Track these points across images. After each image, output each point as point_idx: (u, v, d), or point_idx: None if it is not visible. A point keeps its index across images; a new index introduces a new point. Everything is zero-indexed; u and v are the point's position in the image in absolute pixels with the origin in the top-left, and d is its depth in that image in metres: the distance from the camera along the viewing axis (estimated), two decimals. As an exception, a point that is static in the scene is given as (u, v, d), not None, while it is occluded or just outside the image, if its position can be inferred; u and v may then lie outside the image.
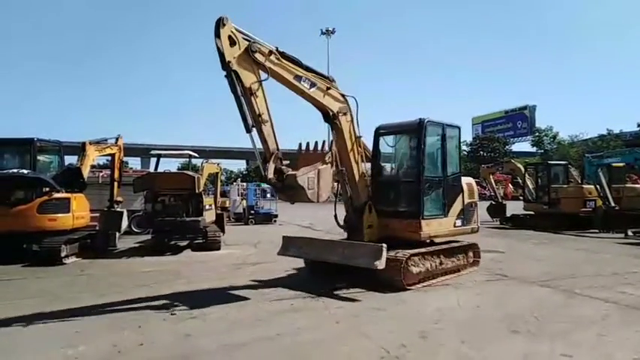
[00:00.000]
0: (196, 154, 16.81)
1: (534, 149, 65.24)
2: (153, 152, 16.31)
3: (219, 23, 6.23)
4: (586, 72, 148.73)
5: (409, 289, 7.55)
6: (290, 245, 8.83)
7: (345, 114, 7.90)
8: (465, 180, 9.47)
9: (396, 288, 7.44)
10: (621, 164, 18.10)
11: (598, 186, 16.71)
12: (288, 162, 7.17)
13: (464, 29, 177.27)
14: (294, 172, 6.89)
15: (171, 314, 6.17)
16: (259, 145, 6.75)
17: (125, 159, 17.11)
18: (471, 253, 9.31)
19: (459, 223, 8.91)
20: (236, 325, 5.72)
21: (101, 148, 12.61)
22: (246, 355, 4.72)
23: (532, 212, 19.55)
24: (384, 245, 7.37)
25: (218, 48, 6.25)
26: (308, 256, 8.66)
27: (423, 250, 8.10)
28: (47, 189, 10.67)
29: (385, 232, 8.33)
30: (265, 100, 6.73)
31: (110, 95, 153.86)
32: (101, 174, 16.48)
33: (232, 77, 6.35)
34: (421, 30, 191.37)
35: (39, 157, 11.58)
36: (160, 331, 5.52)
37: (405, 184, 8.70)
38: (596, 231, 16.66)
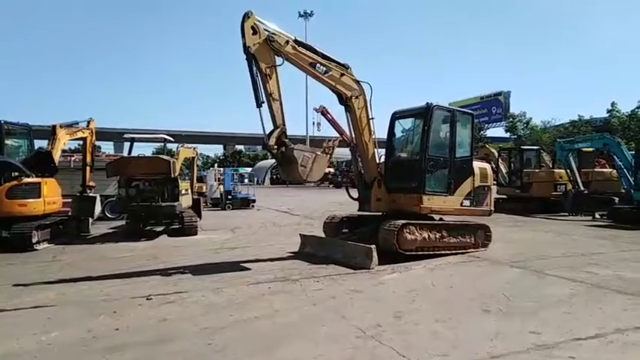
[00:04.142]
0: (171, 139, 16.46)
1: (508, 134, 66.32)
2: (126, 136, 15.93)
3: (245, 16, 7.47)
4: (559, 60, 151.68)
5: (404, 253, 8.34)
6: (307, 243, 9.72)
7: (357, 97, 8.75)
8: (479, 164, 10.06)
9: (393, 252, 8.25)
10: (591, 149, 18.61)
11: (568, 170, 17.18)
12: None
13: (442, 17, 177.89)
14: (293, 146, 7.90)
15: (147, 299, 6.11)
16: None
17: (98, 143, 16.70)
18: (480, 234, 9.69)
19: (466, 203, 9.45)
20: (213, 309, 5.72)
21: (72, 131, 12.29)
22: (224, 338, 4.72)
23: (505, 196, 19.95)
24: (374, 246, 8.08)
25: (243, 35, 7.44)
26: (320, 253, 9.20)
27: (420, 221, 8.80)
28: (16, 173, 10.35)
29: (393, 205, 9.26)
30: (277, 83, 7.81)
31: (83, 79, 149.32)
32: (73, 158, 16.07)
33: (251, 60, 7.56)
34: (398, 17, 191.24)
35: (7, 141, 11.19)
36: (136, 315, 5.48)
37: (412, 162, 9.38)
38: (566, 214, 17.18)
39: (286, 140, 7.92)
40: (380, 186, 9.18)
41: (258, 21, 7.62)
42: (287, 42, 7.87)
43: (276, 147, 7.74)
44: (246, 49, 7.52)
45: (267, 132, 7.77)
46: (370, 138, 9.06)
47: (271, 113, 7.82)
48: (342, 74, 8.55)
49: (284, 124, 7.85)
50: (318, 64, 8.27)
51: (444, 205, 9.17)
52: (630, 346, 4.43)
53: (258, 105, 7.69)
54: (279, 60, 7.84)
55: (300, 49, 8.07)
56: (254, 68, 7.64)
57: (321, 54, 8.38)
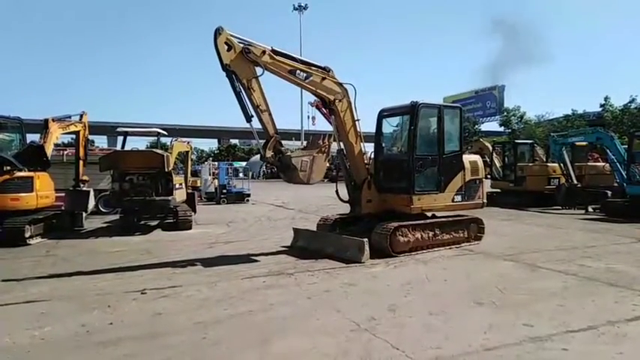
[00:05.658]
0: (165, 132, 16.34)
1: (502, 129, 66.52)
2: (119, 130, 15.76)
3: (216, 33, 7.28)
4: (553, 54, 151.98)
5: (398, 256, 8.28)
6: (299, 237, 9.73)
7: (340, 100, 8.62)
8: (469, 157, 9.96)
9: (386, 254, 8.21)
10: (584, 143, 18.71)
11: (562, 164, 17.27)
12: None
13: (436, 9, 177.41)
14: (290, 154, 8.11)
15: (142, 293, 6.11)
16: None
17: (91, 137, 16.57)
18: (473, 227, 9.72)
19: (458, 198, 9.37)
20: (208, 303, 5.72)
21: (65, 125, 12.17)
22: (218, 332, 4.73)
23: (499, 190, 20.06)
24: (366, 240, 8.11)
25: (217, 53, 7.30)
26: (312, 246, 9.18)
27: (412, 222, 8.74)
28: (8, 168, 10.27)
29: (384, 205, 9.19)
30: (262, 93, 7.75)
31: (77, 72, 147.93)
32: (66, 152, 15.94)
33: (231, 76, 7.48)
34: (392, 9, 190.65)
35: (-2, 135, 11.11)
36: (131, 310, 5.47)
37: (400, 162, 9.29)
38: (559, 207, 17.29)
39: (282, 148, 8.08)
40: (370, 187, 9.06)
41: (231, 35, 7.46)
42: (263, 52, 7.72)
43: (274, 159, 7.99)
44: (224, 66, 7.39)
45: (262, 144, 7.91)
46: (357, 139, 8.90)
47: (262, 125, 7.85)
48: (324, 78, 8.39)
49: (277, 133, 7.96)
50: (298, 71, 8.13)
51: (435, 203, 9.08)
52: (622, 338, 4.48)
53: (248, 120, 7.73)
54: (259, 70, 7.70)
55: (278, 57, 7.91)
56: (236, 84, 7.57)
57: (300, 60, 8.25)
